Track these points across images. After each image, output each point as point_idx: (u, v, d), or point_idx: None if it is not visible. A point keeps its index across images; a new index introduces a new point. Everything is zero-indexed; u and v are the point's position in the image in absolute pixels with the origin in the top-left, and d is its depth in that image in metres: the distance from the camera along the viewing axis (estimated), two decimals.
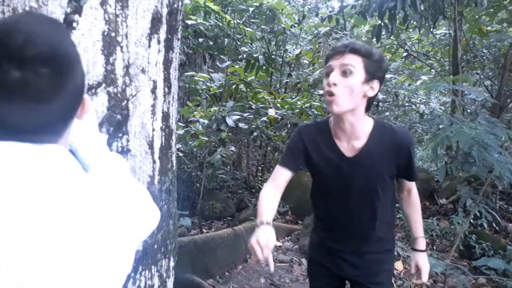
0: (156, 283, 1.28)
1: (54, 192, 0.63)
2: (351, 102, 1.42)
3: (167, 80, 1.24)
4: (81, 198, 0.65)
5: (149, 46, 1.14)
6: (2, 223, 0.57)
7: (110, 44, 1.03)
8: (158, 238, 1.26)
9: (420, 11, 3.91)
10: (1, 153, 0.62)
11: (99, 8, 1.00)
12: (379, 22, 4.28)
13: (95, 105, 1.02)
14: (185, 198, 5.07)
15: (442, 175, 2.97)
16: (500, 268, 3.39)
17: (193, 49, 5.27)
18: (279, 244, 4.20)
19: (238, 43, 4.98)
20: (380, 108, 7.53)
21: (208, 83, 4.94)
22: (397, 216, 1.90)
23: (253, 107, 4.89)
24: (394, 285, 3.19)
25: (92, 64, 1.00)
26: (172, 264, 1.38)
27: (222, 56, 5.06)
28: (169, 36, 1.23)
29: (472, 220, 3.64)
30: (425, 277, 1.68)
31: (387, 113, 7.52)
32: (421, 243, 1.71)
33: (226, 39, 4.64)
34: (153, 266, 1.25)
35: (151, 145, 1.19)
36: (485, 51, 5.80)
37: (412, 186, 1.68)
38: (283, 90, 6.96)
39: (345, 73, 1.40)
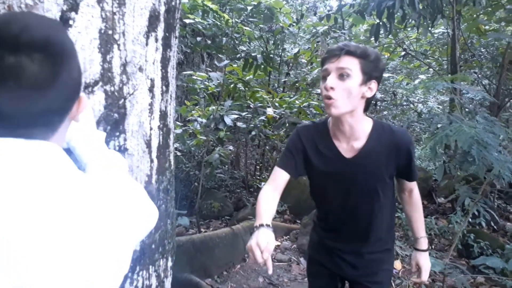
0: (153, 283, 1.27)
1: (53, 192, 0.62)
2: (349, 104, 1.41)
3: (164, 78, 1.23)
4: (79, 197, 0.65)
5: (147, 44, 1.13)
6: (2, 223, 0.57)
7: (107, 42, 1.01)
8: (156, 237, 1.25)
9: (418, 10, 3.91)
10: None
11: (95, 6, 0.99)
12: (378, 21, 4.28)
13: (92, 104, 1.01)
14: (183, 197, 5.07)
15: (440, 174, 2.97)
16: (498, 267, 3.39)
17: (191, 48, 5.26)
18: (277, 243, 4.20)
19: (236, 42, 4.97)
20: (378, 107, 7.53)
21: (206, 82, 4.93)
22: (396, 215, 1.90)
23: (251, 106, 4.88)
24: (393, 284, 3.18)
25: (88, 62, 0.99)
26: (170, 264, 1.38)
27: (220, 55, 5.05)
28: (167, 34, 1.22)
29: (470, 219, 3.64)
30: (425, 276, 1.68)
31: (385, 112, 7.51)
32: (423, 243, 1.70)
33: (224, 38, 4.63)
34: (150, 266, 1.24)
35: (148, 144, 1.18)
36: (483, 50, 5.81)
37: (413, 186, 1.68)
38: (281, 89, 6.96)
39: (342, 76, 1.39)
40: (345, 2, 5.47)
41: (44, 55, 0.62)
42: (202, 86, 4.93)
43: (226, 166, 5.95)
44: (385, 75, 5.81)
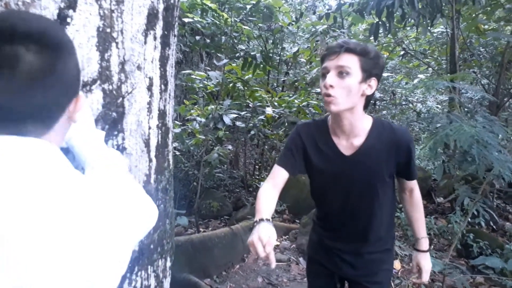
0: (152, 283, 1.26)
1: (52, 191, 0.62)
2: (349, 101, 1.41)
3: (163, 77, 1.22)
4: (79, 197, 0.65)
5: (145, 43, 1.12)
6: (3, 223, 0.57)
7: (105, 40, 1.00)
8: (155, 238, 1.24)
9: (417, 9, 3.91)
10: None
11: (93, 3, 0.98)
12: (377, 20, 4.27)
13: (90, 103, 1.00)
14: (182, 197, 5.06)
15: (439, 174, 2.96)
16: (497, 267, 3.39)
17: (190, 47, 5.24)
18: (276, 243, 4.18)
19: (235, 41, 4.96)
20: (377, 106, 7.53)
21: (205, 81, 4.92)
22: (395, 214, 1.90)
23: (250, 105, 4.87)
24: (392, 284, 3.18)
25: (86, 61, 0.98)
26: (168, 264, 1.37)
27: (219, 54, 5.04)
28: (166, 33, 1.21)
29: (469, 219, 3.64)
30: (426, 277, 1.67)
31: (384, 112, 7.52)
32: (424, 244, 1.69)
33: (223, 37, 4.62)
34: (149, 266, 1.23)
35: (147, 143, 1.17)
36: (482, 49, 5.81)
37: (414, 186, 1.67)
38: (281, 88, 6.96)
39: (341, 74, 1.38)
40: (345, 1, 5.45)
41: (40, 46, 0.62)
42: (201, 85, 4.92)
43: (225, 165, 5.94)
44: (384, 74, 5.80)
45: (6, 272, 0.55)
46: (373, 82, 1.44)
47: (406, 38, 6.37)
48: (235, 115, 4.52)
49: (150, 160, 1.20)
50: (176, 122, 4.86)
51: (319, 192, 1.68)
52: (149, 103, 1.16)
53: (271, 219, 1.37)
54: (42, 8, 0.91)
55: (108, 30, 1.01)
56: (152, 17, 1.13)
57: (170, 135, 1.33)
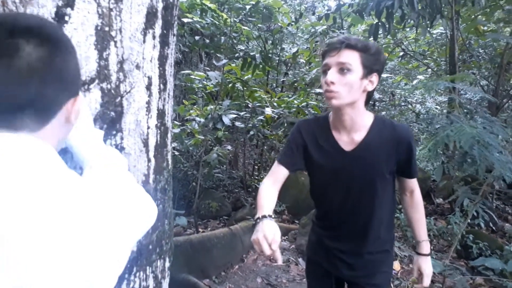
0: (151, 284, 1.25)
1: (52, 191, 0.62)
2: (350, 96, 1.41)
3: (162, 76, 1.21)
4: (78, 196, 0.64)
5: (144, 42, 1.11)
6: (3, 223, 0.56)
7: (103, 39, 0.99)
8: (153, 238, 1.23)
9: (417, 10, 3.90)
10: None
11: (92, 2, 0.97)
12: (376, 21, 4.26)
13: (88, 102, 0.99)
14: (181, 197, 5.05)
15: (438, 175, 2.96)
16: (497, 268, 3.39)
17: (189, 47, 5.24)
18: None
19: (235, 41, 4.96)
20: (376, 107, 7.53)
21: (204, 82, 4.91)
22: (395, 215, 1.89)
23: (249, 106, 4.86)
24: (392, 285, 3.17)
25: (85, 59, 0.97)
26: (167, 264, 1.36)
27: (218, 55, 5.04)
28: (165, 32, 1.20)
29: (469, 220, 3.63)
30: (427, 282, 1.65)
31: (383, 113, 7.51)
32: (425, 247, 1.67)
33: (222, 38, 4.62)
34: (148, 267, 1.22)
35: (146, 143, 1.16)
36: (481, 50, 5.81)
37: (415, 186, 1.66)
38: (280, 89, 6.95)
39: (342, 71, 1.38)
40: (344, 2, 5.45)
41: (40, 40, 0.64)
42: (200, 85, 4.91)
43: (224, 166, 5.93)
44: (384, 75, 5.80)
45: (6, 272, 0.55)
46: (374, 78, 1.44)
47: (406, 39, 6.37)
48: (235, 116, 4.52)
49: (149, 160, 1.19)
50: (175, 122, 4.85)
51: (319, 188, 1.67)
52: (148, 103, 1.15)
53: (272, 216, 1.37)
54: (40, 6, 0.90)
55: (107, 28, 1.00)
56: (151, 16, 1.12)
57: (169, 135, 1.32)
